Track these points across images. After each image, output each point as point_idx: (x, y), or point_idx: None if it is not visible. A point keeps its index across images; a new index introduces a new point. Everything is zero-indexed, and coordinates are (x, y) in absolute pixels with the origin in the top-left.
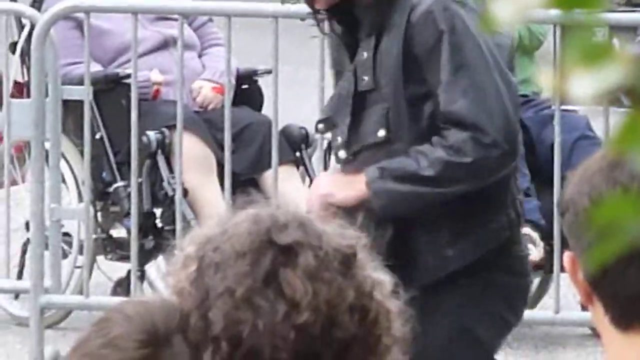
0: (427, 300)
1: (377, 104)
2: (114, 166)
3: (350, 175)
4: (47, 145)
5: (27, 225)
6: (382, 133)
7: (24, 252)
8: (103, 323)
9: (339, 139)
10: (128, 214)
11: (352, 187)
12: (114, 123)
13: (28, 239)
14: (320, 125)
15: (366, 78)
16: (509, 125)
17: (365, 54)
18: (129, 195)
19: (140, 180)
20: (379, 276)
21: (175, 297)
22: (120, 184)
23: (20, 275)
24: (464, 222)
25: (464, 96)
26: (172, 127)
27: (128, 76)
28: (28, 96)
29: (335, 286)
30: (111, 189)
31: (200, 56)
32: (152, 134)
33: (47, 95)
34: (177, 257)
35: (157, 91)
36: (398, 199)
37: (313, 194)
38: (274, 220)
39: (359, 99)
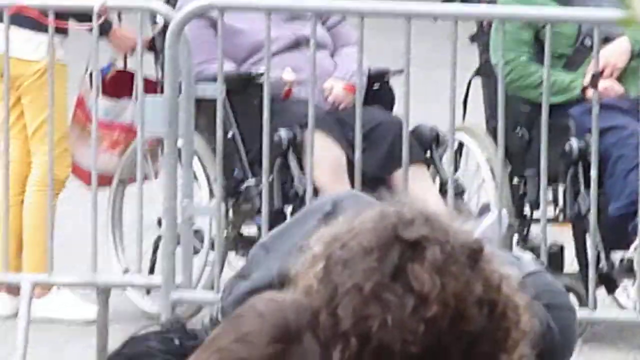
0: None
1: None
2: (246, 164)
3: None
4: (180, 142)
5: (159, 221)
6: None
7: (155, 248)
8: (235, 319)
9: None
10: (259, 212)
11: None
12: (246, 121)
13: (160, 236)
14: None
15: None
16: None
17: None
18: (260, 193)
19: (271, 178)
20: (506, 270)
21: (304, 296)
22: (251, 181)
23: (151, 271)
24: None
25: None
26: (303, 126)
27: (261, 75)
28: (162, 93)
29: (463, 280)
30: (242, 187)
31: (332, 55)
32: (283, 133)
33: (180, 92)
34: (304, 257)
35: (289, 90)
36: None
37: None
38: (400, 216)
39: None
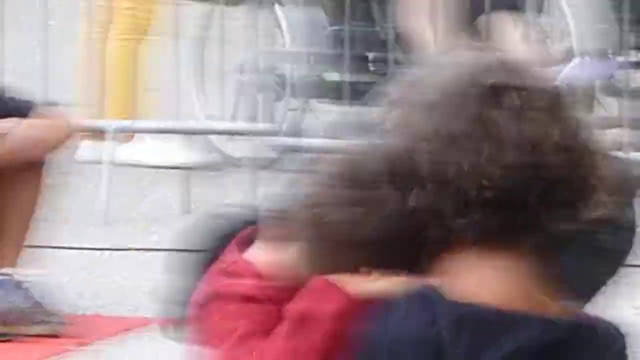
0: None
1: None
2: (329, 9)
3: None
4: None
5: (241, 67)
6: None
7: (238, 94)
8: (314, 164)
9: None
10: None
11: None
12: None
13: (242, 82)
14: None
15: None
16: None
17: None
18: (342, 38)
19: (354, 24)
20: (584, 117)
21: (383, 141)
22: (333, 27)
23: (234, 117)
24: None
25: None
26: None
27: None
28: None
29: (541, 125)
30: (325, 33)
31: None
32: None
33: None
34: (383, 101)
35: None
36: None
37: None
38: (479, 62)
39: None
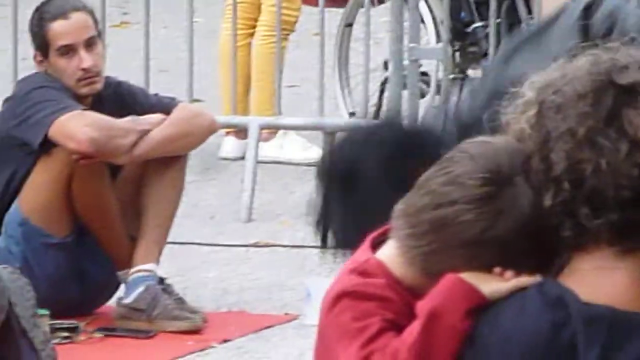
0: None
1: None
2: (473, 6)
3: None
4: None
5: (385, 64)
6: None
7: (382, 91)
8: (447, 162)
9: None
10: (485, 55)
11: None
12: None
13: (386, 78)
14: None
15: None
16: None
17: None
18: (487, 35)
19: (498, 20)
20: None
21: (517, 140)
22: (478, 24)
23: (377, 115)
24: None
25: None
26: None
27: None
28: None
29: None
30: (469, 29)
31: None
32: None
33: None
34: (517, 102)
35: None
36: None
37: None
38: (614, 62)
39: None
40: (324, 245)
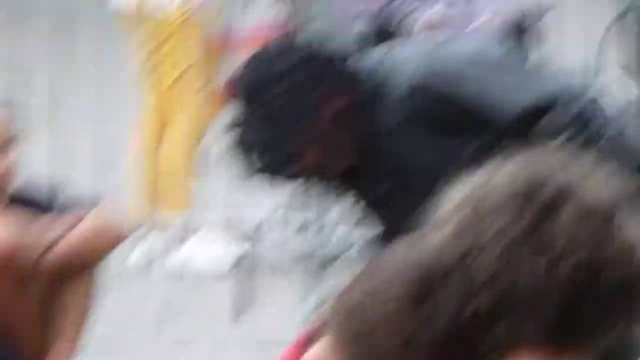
0: None
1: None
2: None
3: None
4: None
5: None
6: None
7: None
8: (369, 273)
9: None
10: None
11: None
12: None
13: None
14: None
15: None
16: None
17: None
18: None
19: None
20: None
21: (439, 249)
22: None
23: None
24: None
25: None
26: None
27: None
28: None
29: (596, 242)
30: None
31: None
32: None
33: None
34: (437, 213)
35: None
36: None
37: None
38: (538, 172)
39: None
40: (249, 172)
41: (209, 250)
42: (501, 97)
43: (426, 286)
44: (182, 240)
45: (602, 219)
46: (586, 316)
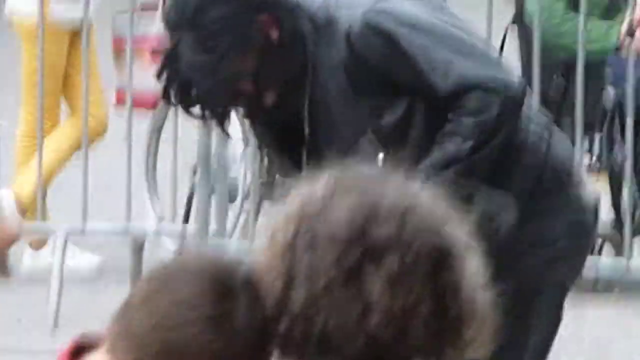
0: None
1: (359, 144)
2: None
3: None
4: None
5: (194, 169)
6: (380, 158)
7: (190, 196)
8: (164, 278)
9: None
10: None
11: None
12: None
13: (195, 184)
14: None
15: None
16: (501, 66)
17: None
18: None
19: None
20: (472, 269)
21: (267, 252)
22: None
23: (186, 220)
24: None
25: (451, 66)
26: None
27: None
28: None
29: (415, 295)
30: None
31: None
32: None
33: None
34: (273, 222)
35: None
36: (454, 183)
37: None
38: (375, 210)
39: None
40: (181, 102)
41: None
42: (437, 68)
43: (235, 291)
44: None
45: (427, 272)
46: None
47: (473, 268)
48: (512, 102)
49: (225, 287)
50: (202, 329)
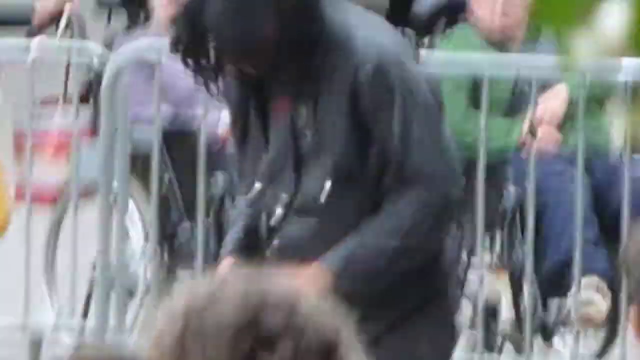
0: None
1: (322, 158)
2: (182, 207)
3: (300, 270)
4: (115, 186)
5: (94, 265)
6: (327, 185)
7: (90, 291)
8: None
9: (283, 197)
10: (192, 256)
11: (316, 282)
12: (182, 165)
13: (94, 278)
14: (255, 195)
15: (308, 133)
16: (455, 174)
17: (304, 111)
18: (195, 236)
19: (207, 221)
20: None
21: (156, 350)
22: (186, 225)
23: (85, 315)
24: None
25: (417, 148)
26: None
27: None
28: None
29: None
30: (178, 230)
31: None
32: (220, 176)
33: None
34: (165, 309)
35: (225, 139)
36: (370, 277)
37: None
38: (264, 298)
39: (300, 154)
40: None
41: None
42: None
43: None
44: None
45: (319, 358)
46: None
47: None
48: (446, 210)
49: None
50: None
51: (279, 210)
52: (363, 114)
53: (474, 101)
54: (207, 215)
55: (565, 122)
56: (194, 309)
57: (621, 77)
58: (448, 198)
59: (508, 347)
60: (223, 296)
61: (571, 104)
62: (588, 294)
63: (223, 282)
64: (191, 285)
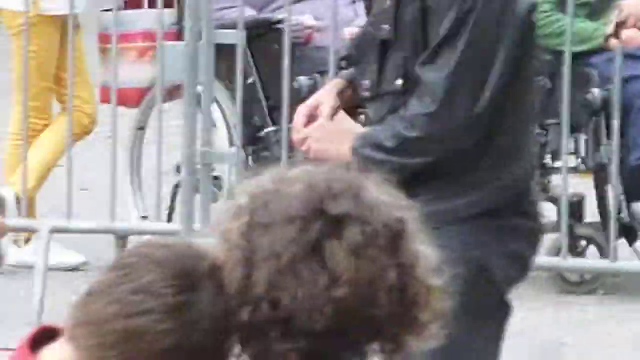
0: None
1: (397, 53)
2: (265, 111)
3: (345, 127)
4: (199, 88)
5: (177, 168)
6: (399, 82)
7: (174, 195)
8: (128, 268)
9: (367, 82)
10: (278, 159)
11: (342, 147)
12: (266, 67)
13: (178, 183)
14: (344, 62)
15: (386, 27)
16: (474, 109)
17: (388, 2)
18: (278, 140)
19: (290, 125)
20: (424, 251)
21: (223, 245)
22: (270, 129)
23: (169, 219)
24: (472, 176)
25: (444, 67)
26: (323, 74)
27: (281, 21)
28: (181, 40)
29: (378, 265)
30: (262, 134)
31: (354, 2)
32: (303, 80)
33: (200, 39)
34: (230, 205)
35: (310, 36)
36: (373, 166)
37: (308, 142)
38: (328, 187)
39: (381, 45)
40: None
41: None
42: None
43: (195, 280)
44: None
45: (389, 244)
46: (352, 344)
47: (425, 251)
48: (438, 139)
49: (188, 277)
50: (161, 317)
51: (366, 94)
52: (428, 10)
53: (559, 3)
54: (291, 120)
55: None
56: (258, 203)
57: None
58: (441, 128)
59: (592, 250)
60: (287, 188)
61: None
62: None
63: (286, 175)
64: (254, 181)
